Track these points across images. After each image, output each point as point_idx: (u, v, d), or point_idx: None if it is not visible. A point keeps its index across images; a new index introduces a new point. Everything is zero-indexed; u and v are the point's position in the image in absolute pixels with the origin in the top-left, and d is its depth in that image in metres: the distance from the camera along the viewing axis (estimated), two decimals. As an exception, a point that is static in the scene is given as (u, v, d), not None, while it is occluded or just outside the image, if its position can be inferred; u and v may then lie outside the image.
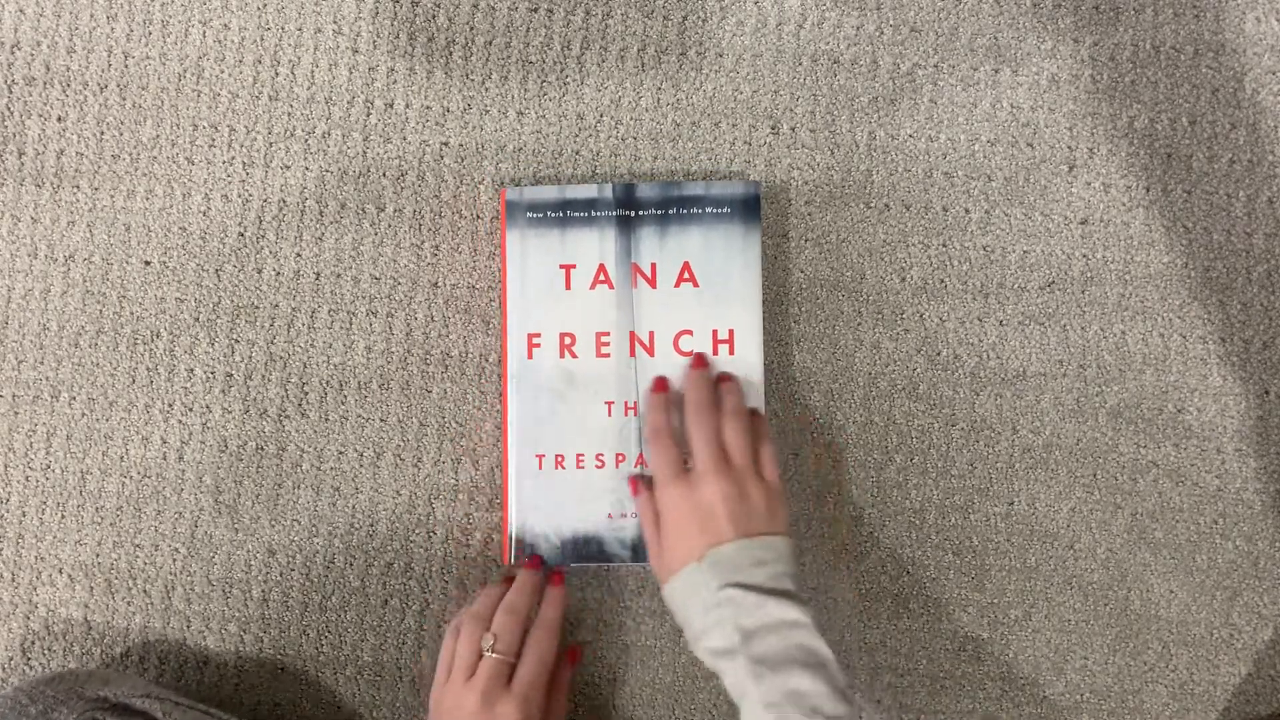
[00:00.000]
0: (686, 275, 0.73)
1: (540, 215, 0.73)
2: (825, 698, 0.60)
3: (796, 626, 0.62)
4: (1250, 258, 0.76)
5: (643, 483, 0.71)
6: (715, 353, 0.73)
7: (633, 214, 0.73)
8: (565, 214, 0.73)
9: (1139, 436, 0.75)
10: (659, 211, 0.73)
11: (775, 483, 0.67)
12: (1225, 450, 0.75)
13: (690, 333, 0.73)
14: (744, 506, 0.65)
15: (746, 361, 0.73)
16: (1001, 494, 0.75)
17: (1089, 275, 0.76)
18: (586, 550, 0.72)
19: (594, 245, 0.73)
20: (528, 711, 0.65)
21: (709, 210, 0.73)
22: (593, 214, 0.73)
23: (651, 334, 0.73)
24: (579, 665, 0.74)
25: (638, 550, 0.72)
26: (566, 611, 0.73)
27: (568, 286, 0.73)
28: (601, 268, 0.73)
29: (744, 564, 0.63)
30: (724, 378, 0.72)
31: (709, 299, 0.73)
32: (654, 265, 0.73)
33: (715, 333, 0.73)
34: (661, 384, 0.72)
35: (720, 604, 0.62)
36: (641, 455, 0.72)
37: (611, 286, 0.73)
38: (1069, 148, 0.76)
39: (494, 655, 0.66)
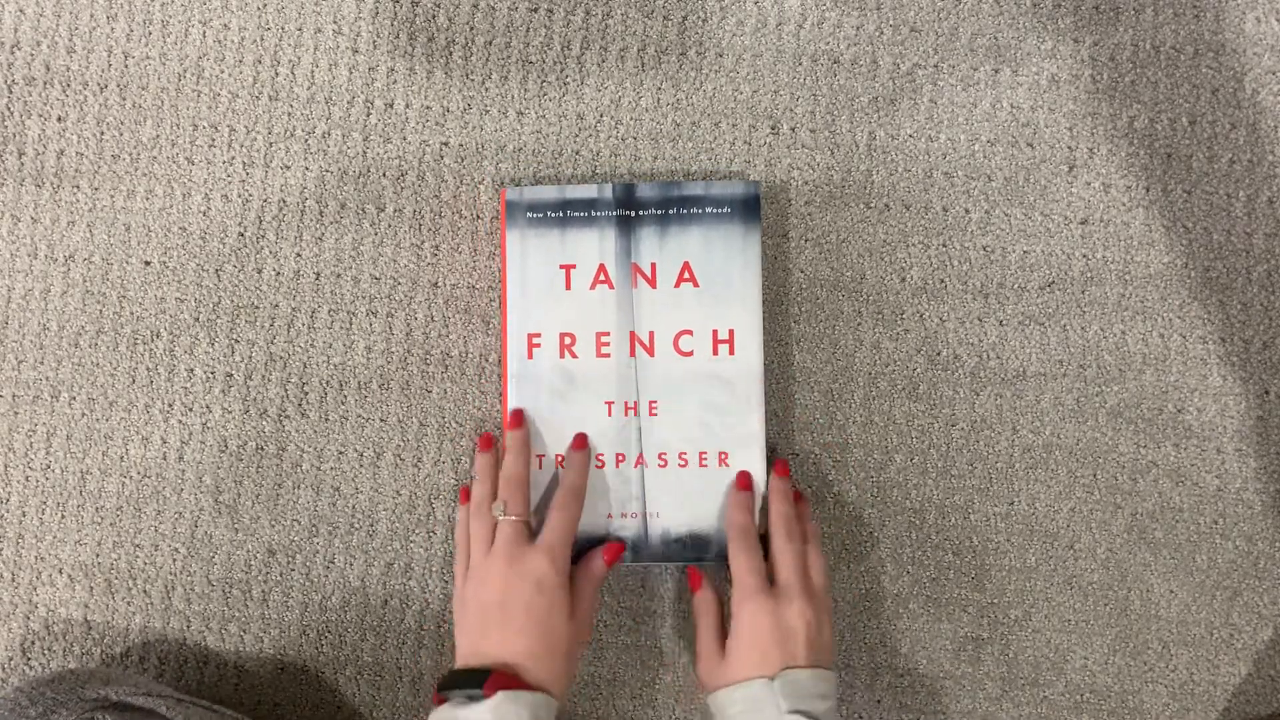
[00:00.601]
0: (686, 275, 0.73)
1: (540, 215, 0.73)
2: None
3: None
4: (1250, 258, 0.76)
5: (706, 579, 0.71)
6: (715, 353, 0.73)
7: (633, 214, 0.73)
8: (565, 214, 0.73)
9: (1139, 436, 0.75)
10: (659, 211, 0.73)
11: (831, 619, 0.68)
12: (1225, 450, 0.75)
13: (690, 333, 0.73)
14: (820, 636, 0.66)
15: (746, 362, 0.73)
16: (1001, 494, 0.75)
17: (1089, 275, 0.76)
18: (587, 550, 0.72)
19: (594, 245, 0.73)
20: (555, 562, 0.66)
21: (709, 210, 0.73)
22: (593, 214, 0.73)
23: (651, 334, 0.73)
24: (616, 564, 0.72)
25: (637, 550, 0.72)
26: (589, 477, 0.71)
27: (568, 286, 0.73)
28: (601, 268, 0.73)
29: (813, 693, 0.63)
30: (798, 496, 0.73)
31: (709, 299, 0.73)
32: (654, 265, 0.73)
33: (715, 333, 0.73)
34: (746, 481, 0.72)
35: None
36: (641, 456, 0.72)
37: (611, 286, 0.73)
38: (1069, 148, 0.76)
39: (509, 518, 0.67)
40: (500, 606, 0.65)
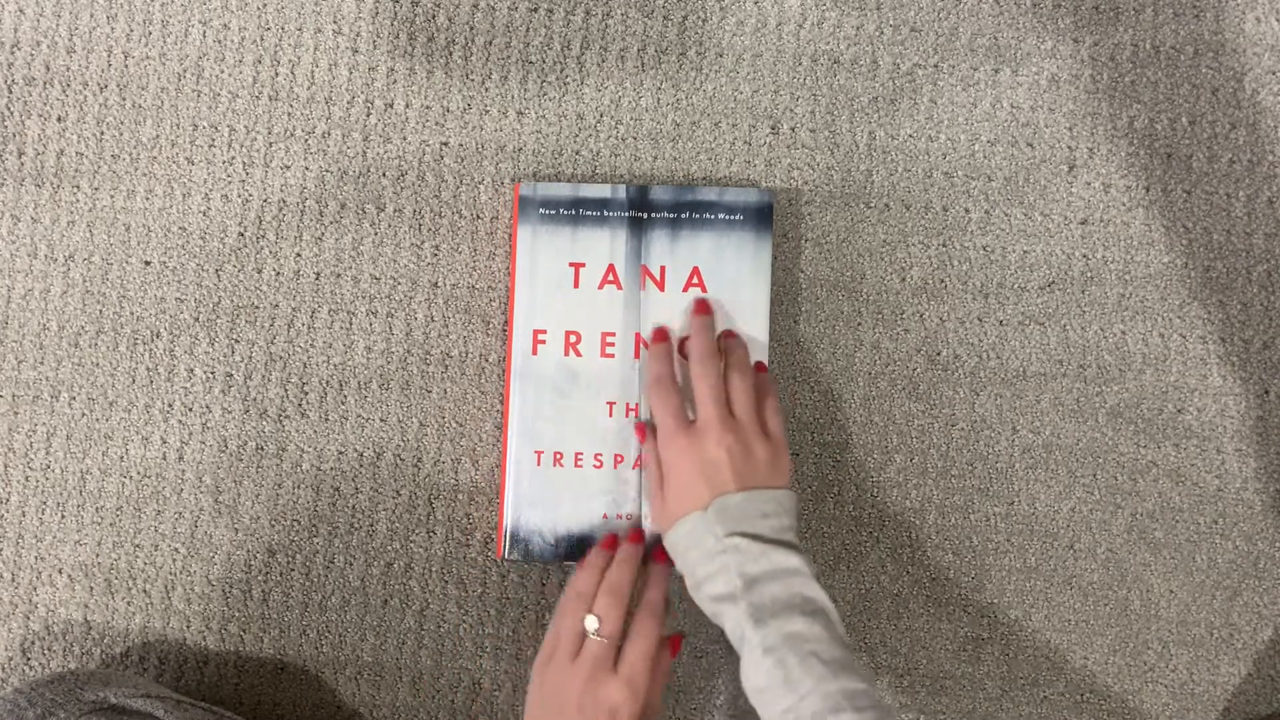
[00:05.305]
0: (695, 280, 0.73)
1: (553, 212, 0.73)
2: (823, 642, 0.60)
3: (797, 574, 0.62)
4: (1250, 258, 0.76)
5: (650, 429, 0.71)
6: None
7: (645, 216, 0.73)
8: (578, 212, 0.73)
9: (1139, 436, 0.75)
10: (671, 215, 0.73)
11: (779, 438, 0.67)
12: (1225, 450, 0.75)
13: (696, 338, 0.73)
14: (748, 461, 0.65)
15: None
16: (1001, 494, 0.75)
17: (1089, 275, 0.76)
18: (580, 550, 0.72)
19: (605, 245, 0.73)
20: (634, 695, 0.64)
21: (721, 217, 0.73)
22: (605, 214, 0.73)
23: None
24: (679, 655, 0.72)
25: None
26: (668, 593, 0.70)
27: (576, 285, 0.73)
28: (611, 268, 0.73)
29: (749, 515, 0.64)
30: (728, 334, 0.72)
31: (716, 306, 0.73)
32: (663, 269, 0.73)
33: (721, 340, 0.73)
34: (663, 333, 0.72)
35: (724, 551, 0.63)
36: (640, 459, 0.72)
37: (620, 287, 0.73)
38: (1069, 148, 0.76)
39: (599, 639, 0.66)
40: None
